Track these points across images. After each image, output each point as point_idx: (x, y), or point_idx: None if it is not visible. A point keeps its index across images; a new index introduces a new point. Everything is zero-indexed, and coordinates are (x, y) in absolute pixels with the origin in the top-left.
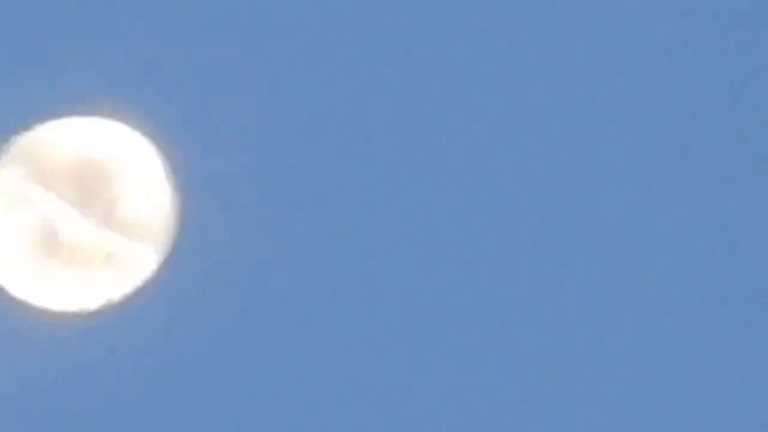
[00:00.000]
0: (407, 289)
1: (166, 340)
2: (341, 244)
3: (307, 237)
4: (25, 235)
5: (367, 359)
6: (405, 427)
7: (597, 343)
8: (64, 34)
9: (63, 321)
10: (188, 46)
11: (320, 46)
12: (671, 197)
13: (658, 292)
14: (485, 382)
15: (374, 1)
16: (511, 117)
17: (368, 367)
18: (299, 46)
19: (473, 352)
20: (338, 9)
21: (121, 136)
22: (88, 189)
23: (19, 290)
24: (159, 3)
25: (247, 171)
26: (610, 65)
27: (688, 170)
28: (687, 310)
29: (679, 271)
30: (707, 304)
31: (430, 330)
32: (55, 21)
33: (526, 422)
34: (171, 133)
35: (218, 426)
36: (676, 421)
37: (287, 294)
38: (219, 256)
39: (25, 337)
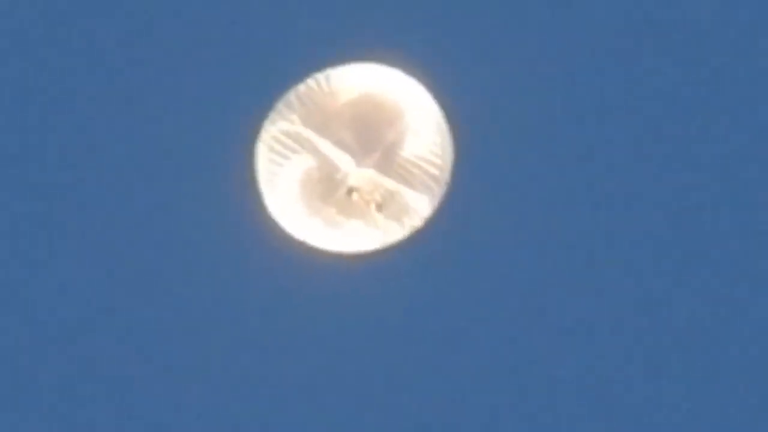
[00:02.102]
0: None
1: (438, 284)
2: (612, 198)
3: (582, 181)
4: (304, 179)
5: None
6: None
7: None
8: None
9: (339, 262)
10: None
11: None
12: None
13: None
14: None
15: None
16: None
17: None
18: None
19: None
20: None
21: (400, 83)
22: (366, 135)
23: (298, 232)
24: None
25: (520, 120)
26: None
27: None
28: None
29: None
30: None
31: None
32: None
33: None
34: (448, 81)
35: (489, 366)
36: None
37: (558, 240)
38: (492, 203)
39: (304, 277)
